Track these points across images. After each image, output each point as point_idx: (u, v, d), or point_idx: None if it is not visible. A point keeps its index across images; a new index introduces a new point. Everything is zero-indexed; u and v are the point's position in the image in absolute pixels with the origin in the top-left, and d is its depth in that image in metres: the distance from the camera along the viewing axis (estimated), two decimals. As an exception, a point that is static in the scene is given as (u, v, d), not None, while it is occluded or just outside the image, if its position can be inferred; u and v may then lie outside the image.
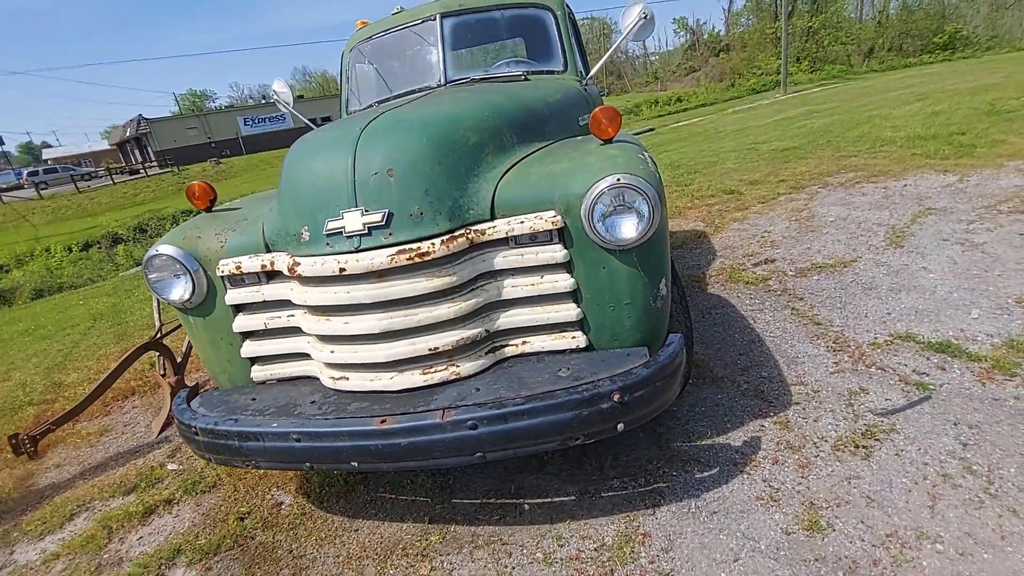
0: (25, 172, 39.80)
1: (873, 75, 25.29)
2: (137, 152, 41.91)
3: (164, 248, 1.84)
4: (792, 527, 1.68)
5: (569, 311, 1.71)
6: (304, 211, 1.69)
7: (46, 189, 30.23)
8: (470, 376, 1.70)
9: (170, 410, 3.10)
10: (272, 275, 1.82)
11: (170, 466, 2.61)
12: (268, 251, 1.80)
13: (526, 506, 1.95)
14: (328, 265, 1.63)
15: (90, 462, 2.81)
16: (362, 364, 1.72)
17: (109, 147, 53.06)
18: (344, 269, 1.61)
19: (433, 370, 1.68)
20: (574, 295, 1.72)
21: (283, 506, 2.19)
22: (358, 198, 1.62)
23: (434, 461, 1.55)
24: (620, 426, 1.51)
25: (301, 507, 2.16)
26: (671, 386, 1.62)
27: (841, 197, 5.01)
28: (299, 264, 1.67)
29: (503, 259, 1.69)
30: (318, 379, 1.88)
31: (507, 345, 1.77)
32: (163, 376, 3.22)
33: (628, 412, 1.51)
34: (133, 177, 33.28)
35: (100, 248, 19.06)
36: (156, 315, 3.41)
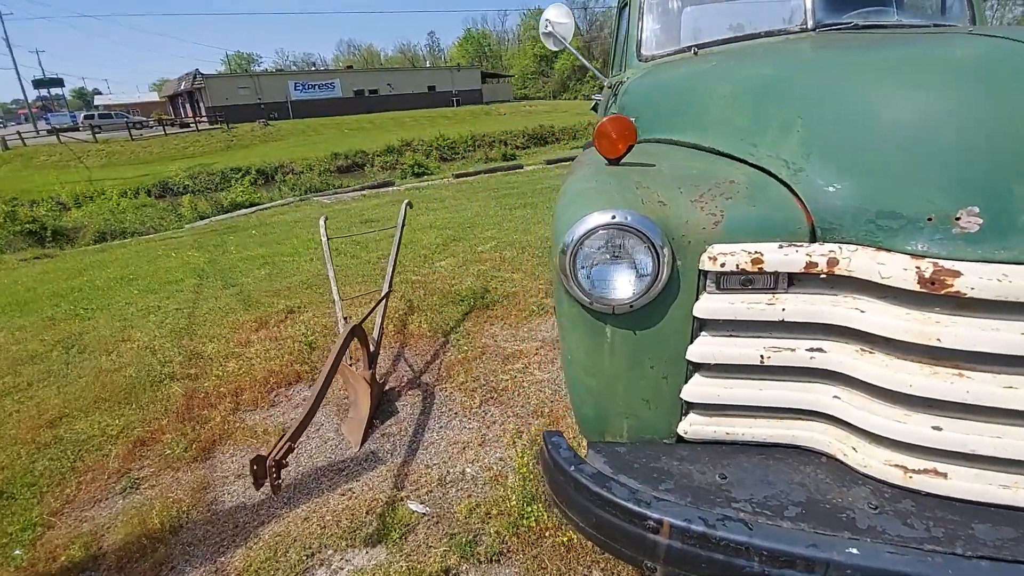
0: (81, 115, 40.19)
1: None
2: (188, 107, 41.81)
3: (617, 214, 1.11)
4: None
5: None
6: (971, 177, 0.94)
7: (100, 133, 30.13)
8: None
9: (371, 416, 2.44)
10: (795, 279, 1.08)
11: (412, 505, 1.92)
12: (812, 239, 1.07)
13: None
14: (1002, 282, 0.89)
15: (284, 477, 2.14)
16: (990, 457, 0.98)
17: (159, 99, 53.25)
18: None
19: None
20: None
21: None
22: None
23: None
24: None
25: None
26: None
27: None
28: (957, 274, 0.92)
29: None
30: (824, 457, 1.16)
31: None
32: (349, 365, 2.54)
33: None
34: (183, 130, 33.11)
35: (151, 195, 18.76)
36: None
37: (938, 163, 0.96)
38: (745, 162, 1.25)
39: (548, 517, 1.80)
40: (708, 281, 1.12)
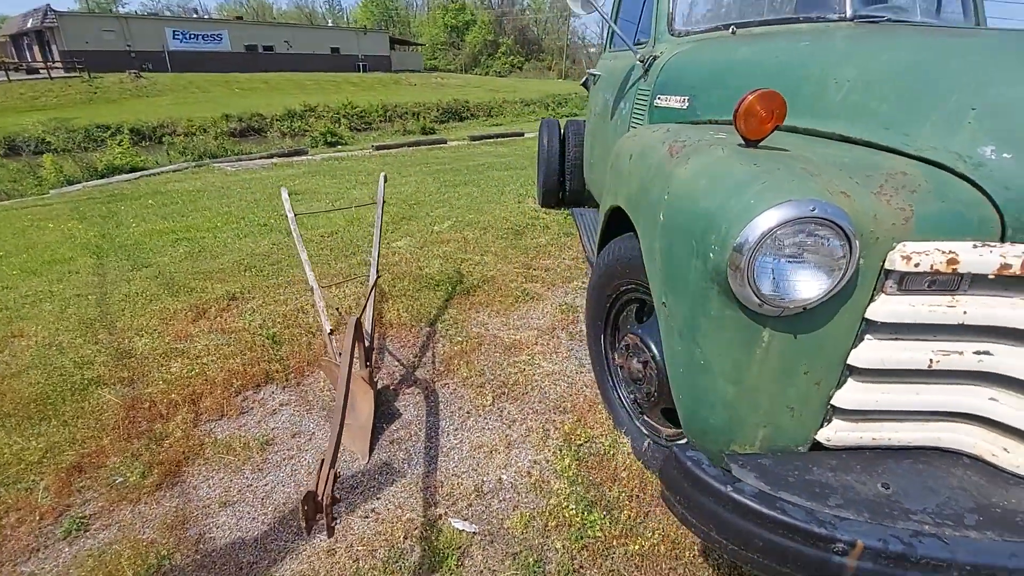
0: None
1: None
2: (36, 49, 35.02)
3: (817, 206, 0.95)
4: None
5: None
6: None
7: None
8: None
9: (375, 421, 2.14)
10: (975, 279, 1.02)
11: (457, 524, 1.69)
12: (1003, 236, 1.01)
13: None
14: None
15: (280, 499, 1.80)
16: None
17: (-8, 36, 43.98)
18: None
19: None
20: None
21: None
22: None
23: None
24: None
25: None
26: None
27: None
28: None
29: None
30: (967, 458, 1.13)
31: None
32: (329, 361, 2.21)
33: None
34: (31, 77, 27.82)
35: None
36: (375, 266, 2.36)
37: None
38: (900, 152, 1.17)
39: (612, 525, 1.67)
40: (890, 281, 1.03)
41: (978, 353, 1.06)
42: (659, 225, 1.30)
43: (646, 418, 1.94)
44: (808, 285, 1.00)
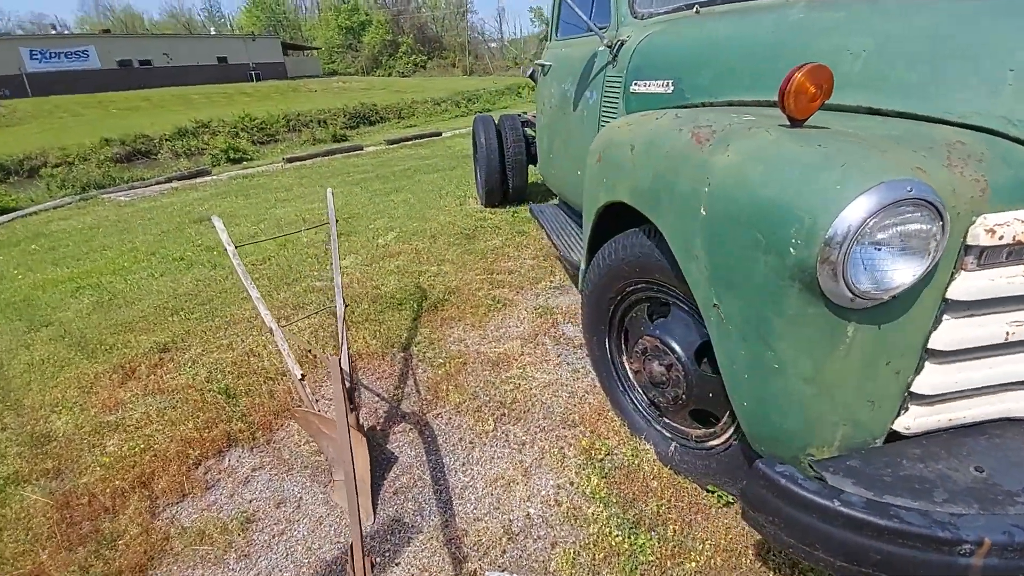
0: None
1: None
2: None
3: (913, 186, 0.87)
4: None
5: None
6: None
7: None
8: None
9: (373, 472, 1.90)
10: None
11: (497, 577, 1.50)
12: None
13: None
14: None
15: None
16: None
17: None
18: None
19: None
20: None
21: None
22: None
23: None
24: None
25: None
26: None
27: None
28: None
29: None
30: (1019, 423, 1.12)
31: None
32: (305, 411, 1.94)
33: None
34: None
35: None
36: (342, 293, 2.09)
37: None
38: (944, 121, 1.12)
39: (661, 544, 1.56)
40: (970, 257, 0.97)
41: (1048, 320, 1.04)
42: (701, 219, 1.18)
43: (667, 421, 1.85)
44: (902, 272, 0.93)
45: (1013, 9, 1.13)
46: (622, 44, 2.08)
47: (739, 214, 1.07)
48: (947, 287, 0.99)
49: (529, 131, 4.98)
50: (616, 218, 1.85)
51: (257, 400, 2.35)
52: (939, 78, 1.16)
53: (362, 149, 12.73)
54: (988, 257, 0.98)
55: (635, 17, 2.12)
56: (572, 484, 1.82)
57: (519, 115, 5.18)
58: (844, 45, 1.33)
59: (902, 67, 1.22)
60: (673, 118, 1.43)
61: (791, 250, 0.96)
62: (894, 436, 1.15)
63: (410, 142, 13.46)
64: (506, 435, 2.09)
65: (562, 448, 1.99)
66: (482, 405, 2.26)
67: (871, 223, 0.88)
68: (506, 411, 2.22)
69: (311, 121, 24.75)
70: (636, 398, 1.95)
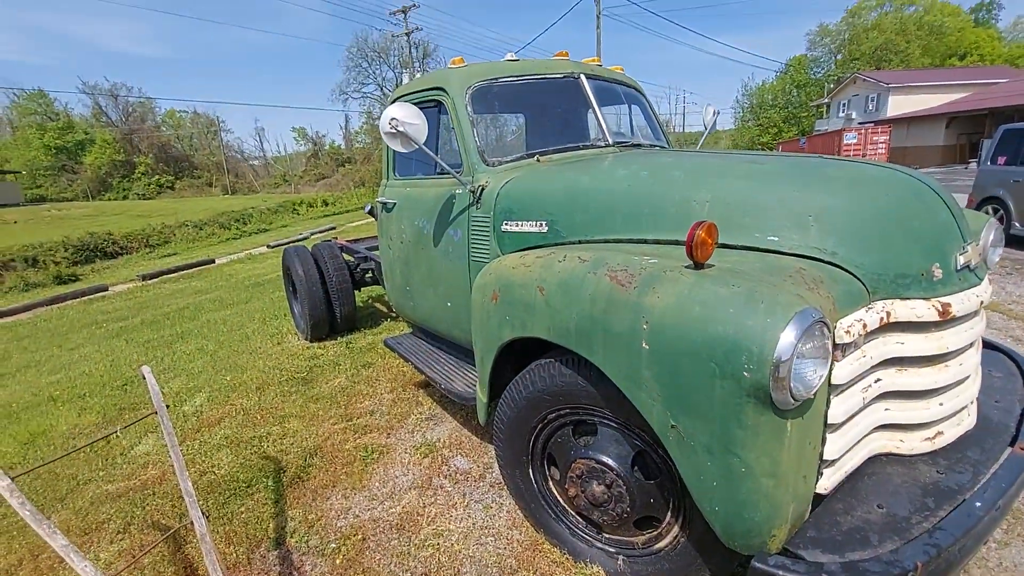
0: None
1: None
2: None
3: (814, 312, 1.17)
4: None
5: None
6: (929, 247, 1.45)
7: None
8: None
9: None
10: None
11: None
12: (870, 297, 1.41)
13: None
14: (969, 303, 1.46)
15: None
16: (952, 413, 1.53)
17: None
18: (980, 304, 1.49)
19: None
20: None
21: None
22: (963, 232, 1.54)
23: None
24: None
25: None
26: None
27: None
28: (950, 305, 1.41)
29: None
30: (882, 456, 1.51)
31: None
32: None
33: None
34: None
35: None
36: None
37: (921, 235, 1.49)
38: (780, 252, 1.52)
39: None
40: (837, 352, 1.32)
41: (877, 382, 1.45)
42: (644, 354, 1.34)
43: (607, 536, 1.89)
44: (817, 374, 1.20)
45: (803, 174, 1.67)
46: (483, 188, 2.30)
47: (688, 348, 1.26)
48: (830, 376, 1.32)
49: (348, 256, 4.89)
50: (510, 349, 1.94)
51: None
52: (764, 222, 1.60)
53: (107, 289, 10.58)
54: (846, 349, 1.35)
55: (487, 164, 2.37)
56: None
57: (332, 241, 5.07)
58: (691, 197, 1.73)
59: (738, 213, 1.64)
60: (577, 261, 1.62)
61: (745, 374, 1.17)
62: (817, 498, 1.42)
63: (174, 274, 11.74)
64: (446, 611, 1.85)
65: (513, 603, 1.85)
66: (405, 584, 1.97)
67: (799, 344, 1.15)
68: (434, 581, 1.98)
69: (14, 260, 19.61)
70: (571, 522, 1.96)
